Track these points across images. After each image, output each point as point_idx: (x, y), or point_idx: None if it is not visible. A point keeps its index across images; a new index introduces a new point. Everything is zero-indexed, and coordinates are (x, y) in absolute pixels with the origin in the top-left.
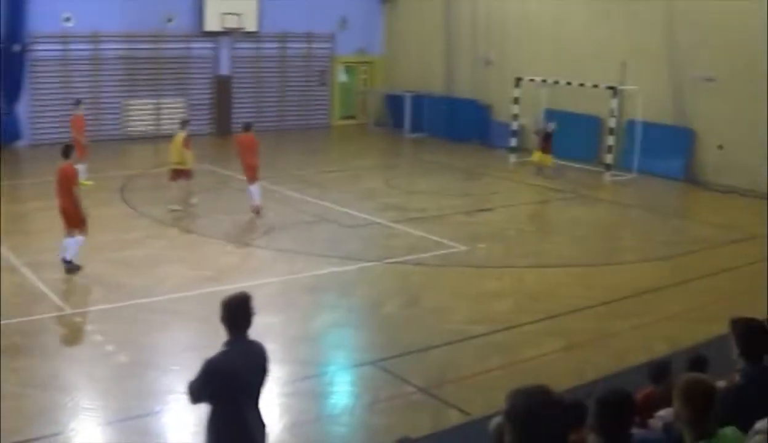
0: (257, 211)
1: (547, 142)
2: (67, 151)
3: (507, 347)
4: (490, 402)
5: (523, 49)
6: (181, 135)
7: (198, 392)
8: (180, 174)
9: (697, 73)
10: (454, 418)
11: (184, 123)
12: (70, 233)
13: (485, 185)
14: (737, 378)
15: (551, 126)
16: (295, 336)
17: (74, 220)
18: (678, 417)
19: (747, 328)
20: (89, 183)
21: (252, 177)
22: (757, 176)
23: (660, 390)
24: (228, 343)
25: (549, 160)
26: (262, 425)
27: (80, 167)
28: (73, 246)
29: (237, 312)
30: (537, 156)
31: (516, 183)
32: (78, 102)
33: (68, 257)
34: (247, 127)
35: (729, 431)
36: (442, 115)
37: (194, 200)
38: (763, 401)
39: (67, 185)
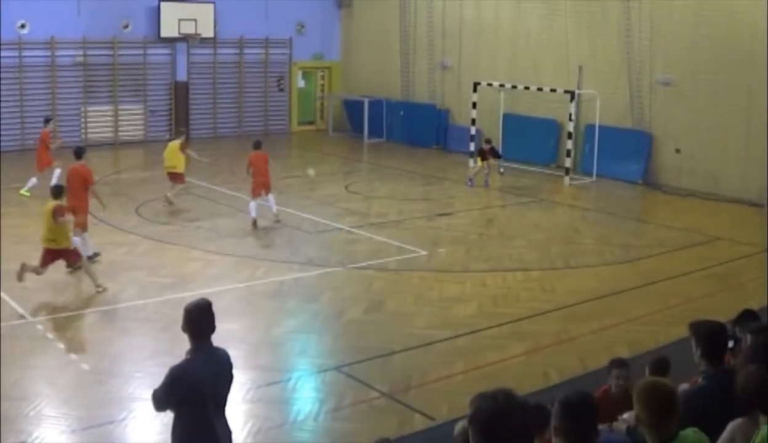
0: (278, 220)
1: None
2: (78, 152)
3: (470, 351)
4: (454, 406)
5: (480, 53)
6: (177, 142)
7: (163, 400)
8: (175, 177)
9: (654, 76)
10: (418, 423)
11: (180, 132)
12: (78, 230)
13: (445, 190)
14: (700, 380)
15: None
16: (258, 342)
17: (82, 221)
18: (639, 420)
19: (707, 331)
20: (27, 194)
21: (269, 190)
22: (716, 179)
23: (618, 389)
24: (192, 351)
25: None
26: (228, 432)
27: (33, 179)
28: (78, 244)
29: (199, 319)
30: (481, 163)
31: (475, 187)
32: (47, 120)
33: (89, 252)
34: (257, 145)
35: (690, 432)
36: (401, 120)
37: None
38: (726, 402)
39: (82, 184)
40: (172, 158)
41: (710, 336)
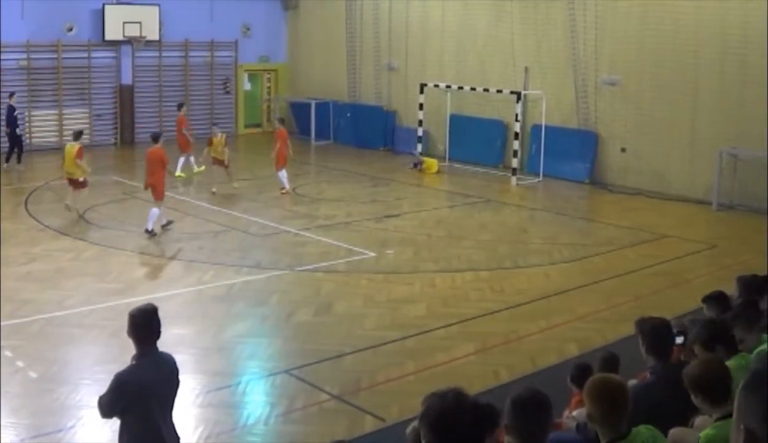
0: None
1: None
2: (155, 136)
3: (420, 352)
4: (405, 407)
5: (426, 54)
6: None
7: (109, 406)
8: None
9: (599, 77)
10: (369, 425)
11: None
12: (158, 202)
13: (392, 191)
14: (648, 376)
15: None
16: (207, 346)
17: (160, 193)
18: (590, 417)
19: (652, 327)
20: (202, 168)
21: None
22: (663, 177)
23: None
24: (137, 356)
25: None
26: (176, 437)
27: (182, 159)
28: (155, 215)
29: (144, 324)
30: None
31: (423, 188)
32: (180, 105)
33: (149, 227)
34: (282, 121)
35: (644, 429)
36: (348, 122)
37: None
38: (673, 397)
39: (159, 164)
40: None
41: (655, 332)
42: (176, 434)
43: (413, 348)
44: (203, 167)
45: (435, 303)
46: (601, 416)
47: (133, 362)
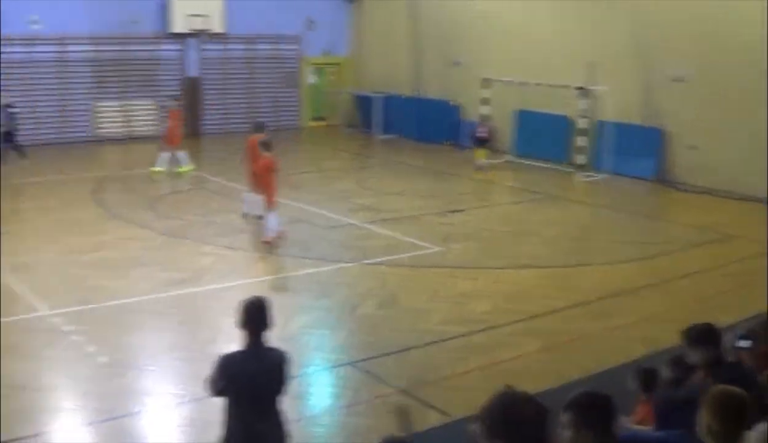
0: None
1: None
2: (258, 126)
3: (485, 348)
4: (469, 403)
5: (491, 49)
6: None
7: (212, 383)
8: None
9: (666, 72)
10: (433, 419)
11: None
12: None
13: (456, 186)
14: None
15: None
16: (272, 338)
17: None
18: (709, 429)
19: (699, 332)
20: (190, 167)
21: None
22: (732, 176)
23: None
24: (245, 345)
25: (483, 155)
26: (279, 433)
27: (164, 154)
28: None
29: (254, 315)
30: (480, 153)
31: (487, 183)
32: (175, 98)
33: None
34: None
35: None
36: (412, 116)
37: None
38: None
39: (257, 152)
40: None
41: (702, 335)
42: (280, 430)
43: (478, 344)
44: (191, 166)
45: (500, 299)
46: (724, 430)
47: (241, 349)
